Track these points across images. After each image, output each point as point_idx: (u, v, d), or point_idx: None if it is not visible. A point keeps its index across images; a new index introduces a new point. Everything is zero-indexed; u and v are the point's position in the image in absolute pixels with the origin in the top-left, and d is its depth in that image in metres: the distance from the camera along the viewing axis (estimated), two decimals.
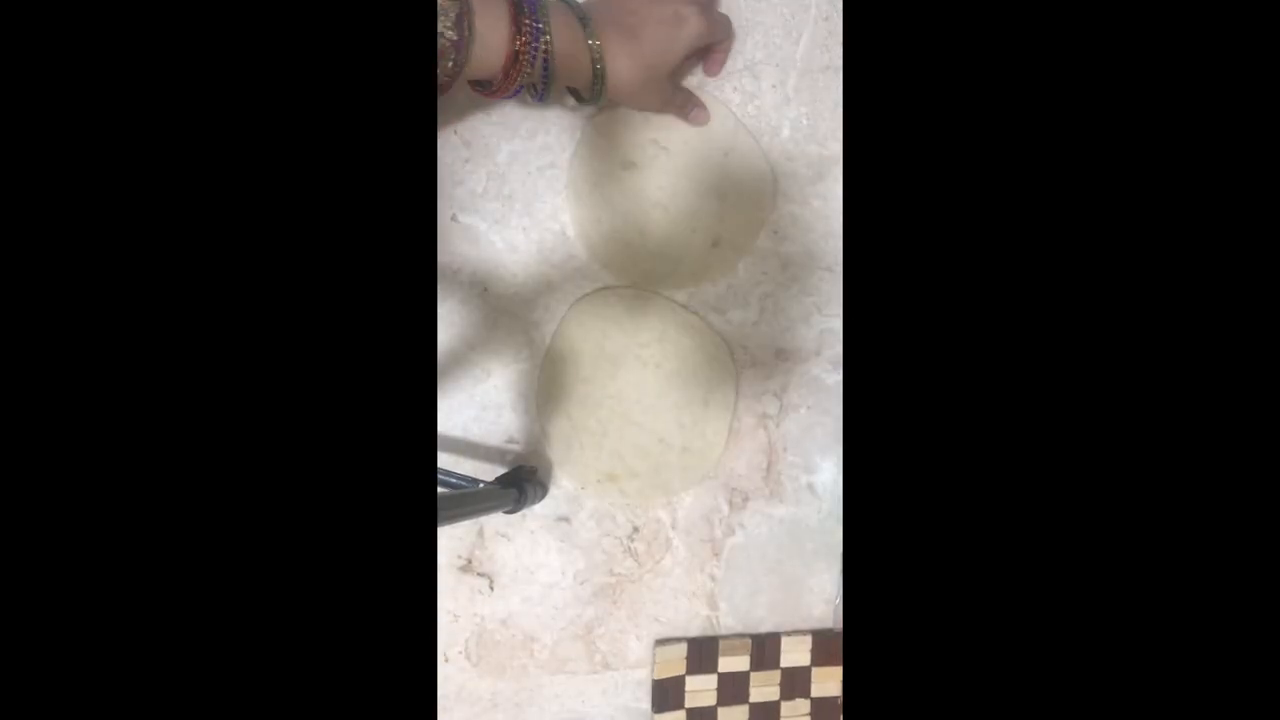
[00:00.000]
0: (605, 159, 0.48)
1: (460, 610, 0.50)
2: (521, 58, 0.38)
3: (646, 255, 0.49)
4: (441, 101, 0.41)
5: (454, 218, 0.48)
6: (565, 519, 0.50)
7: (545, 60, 0.39)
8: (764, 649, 0.52)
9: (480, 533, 0.50)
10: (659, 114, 0.47)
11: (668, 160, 0.48)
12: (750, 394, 0.51)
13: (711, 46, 0.47)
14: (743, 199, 0.49)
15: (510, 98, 0.41)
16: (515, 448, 0.50)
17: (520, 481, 0.46)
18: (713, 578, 0.52)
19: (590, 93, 0.43)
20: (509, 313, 0.49)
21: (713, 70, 0.48)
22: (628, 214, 0.48)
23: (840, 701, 0.53)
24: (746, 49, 0.49)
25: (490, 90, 0.40)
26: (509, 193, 0.48)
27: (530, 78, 0.40)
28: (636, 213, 0.48)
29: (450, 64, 0.36)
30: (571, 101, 0.46)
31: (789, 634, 0.53)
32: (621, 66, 0.42)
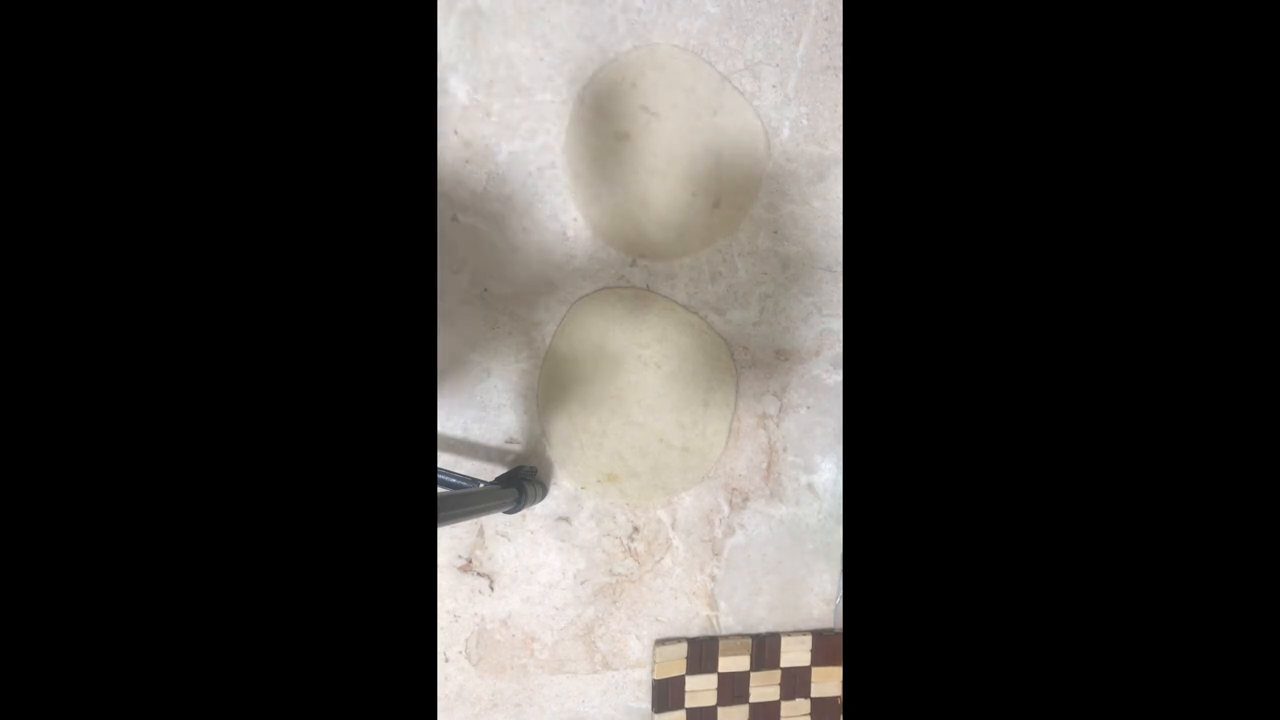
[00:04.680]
0: (598, 134, 0.48)
1: (460, 610, 0.50)
2: None
3: (652, 226, 0.49)
4: None
5: (454, 218, 0.48)
6: (565, 519, 0.50)
7: None
8: (764, 649, 0.52)
9: (480, 533, 0.50)
10: None
11: (659, 126, 0.48)
12: (750, 394, 0.51)
13: None
14: (738, 154, 0.49)
15: None
16: (515, 448, 0.50)
17: (520, 481, 0.46)
18: (713, 578, 0.52)
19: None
20: (509, 313, 0.49)
21: None
22: (628, 187, 0.49)
23: (840, 701, 0.53)
24: (746, 49, 0.49)
25: None
26: (509, 193, 0.48)
27: None
28: (636, 184, 0.49)
29: None
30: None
31: (789, 634, 0.53)
32: None
